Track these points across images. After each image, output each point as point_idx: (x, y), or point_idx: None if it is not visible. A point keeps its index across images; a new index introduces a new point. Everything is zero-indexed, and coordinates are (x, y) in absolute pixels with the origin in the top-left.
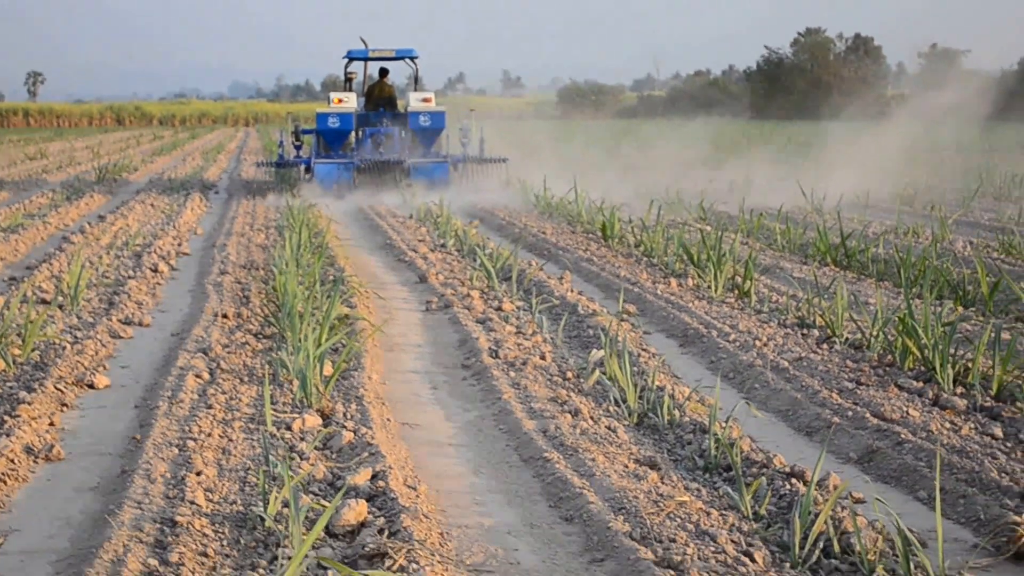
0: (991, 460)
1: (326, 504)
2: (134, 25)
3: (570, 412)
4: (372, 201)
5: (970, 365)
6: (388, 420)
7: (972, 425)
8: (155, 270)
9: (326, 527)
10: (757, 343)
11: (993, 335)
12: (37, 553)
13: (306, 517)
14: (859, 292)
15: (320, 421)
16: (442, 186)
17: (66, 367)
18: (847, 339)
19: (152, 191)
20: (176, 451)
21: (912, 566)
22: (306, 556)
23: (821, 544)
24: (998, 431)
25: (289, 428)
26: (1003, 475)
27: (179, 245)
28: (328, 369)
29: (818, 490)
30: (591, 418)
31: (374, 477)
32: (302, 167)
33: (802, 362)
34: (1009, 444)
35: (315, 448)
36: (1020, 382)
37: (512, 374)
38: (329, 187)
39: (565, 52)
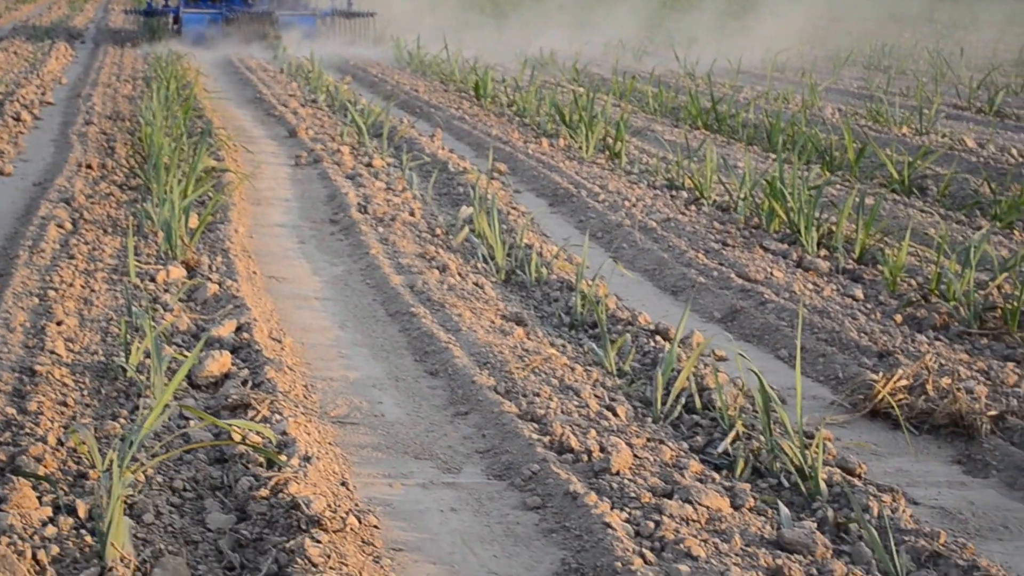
0: (851, 321)
1: (189, 355)
2: None
3: (438, 268)
4: (242, 53)
5: (834, 229)
6: (254, 273)
7: (834, 287)
8: (17, 119)
9: (189, 379)
10: (626, 203)
11: (857, 200)
12: None
13: (168, 368)
14: (728, 156)
15: (185, 273)
16: (311, 39)
17: None
18: (715, 201)
19: (16, 39)
20: (36, 301)
21: (771, 421)
22: (167, 406)
23: (683, 400)
24: (859, 293)
25: (153, 280)
26: (862, 335)
27: (43, 94)
28: (194, 221)
29: (681, 347)
30: (459, 274)
31: (239, 329)
32: (170, 16)
33: (670, 223)
34: (869, 305)
35: (179, 300)
36: (881, 246)
37: (381, 230)
38: (197, 38)
39: None
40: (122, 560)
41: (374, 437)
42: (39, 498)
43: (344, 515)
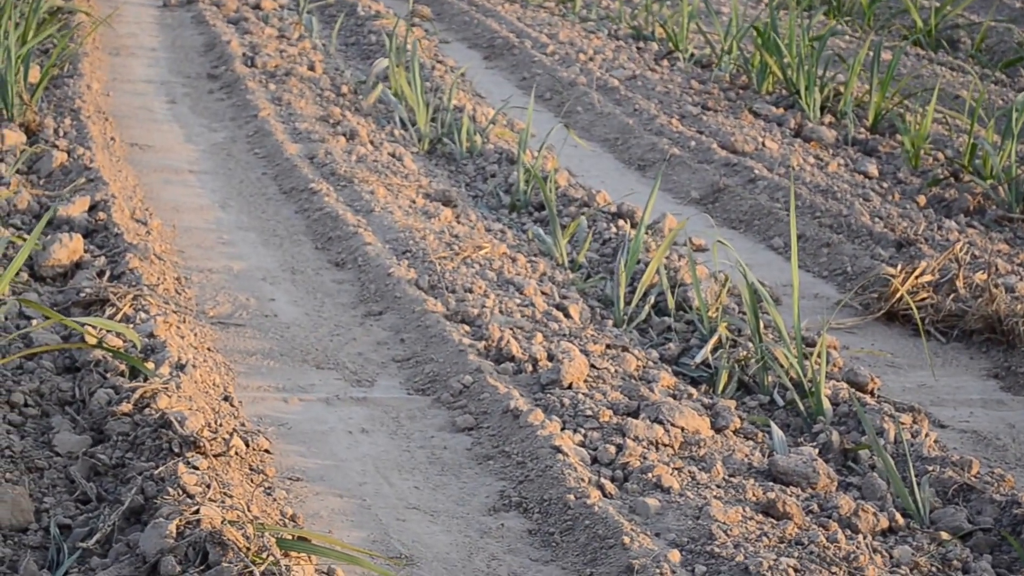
0: (863, 202)
1: (28, 238)
2: None
3: (344, 135)
4: None
5: (842, 90)
6: (112, 140)
7: (842, 161)
8: None
9: (31, 268)
10: (581, 56)
11: (871, 54)
12: None
13: (4, 255)
14: None
15: (24, 138)
16: None
17: None
18: (693, 55)
19: None
20: None
21: (762, 325)
22: (3, 301)
23: (651, 299)
24: (872, 168)
25: None
26: (876, 221)
27: None
28: (35, 74)
29: (649, 234)
30: (371, 143)
31: (92, 208)
32: None
33: (636, 81)
34: (885, 184)
35: (17, 172)
36: (901, 111)
37: (272, 87)
38: None
39: None
40: None
41: (265, 342)
42: None
43: (227, 436)
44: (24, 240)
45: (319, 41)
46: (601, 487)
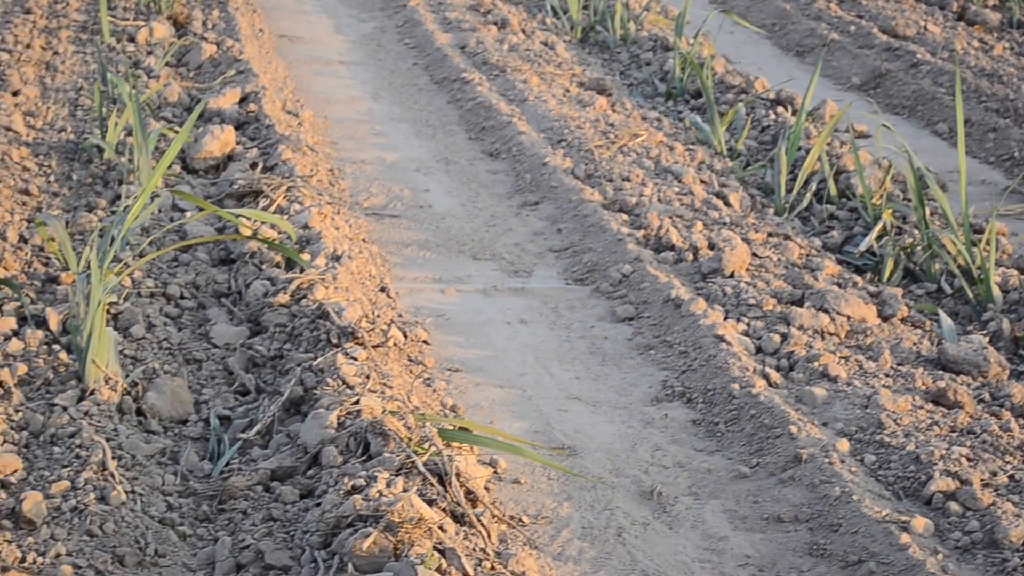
0: None
1: (181, 131)
2: None
3: (495, 24)
4: None
5: None
6: (261, 31)
7: (1007, 44)
8: None
9: (184, 161)
10: None
11: None
12: None
13: (156, 148)
14: None
15: (172, 31)
16: None
17: None
18: None
19: None
20: None
21: (928, 212)
22: (156, 194)
23: (813, 186)
24: None
25: (133, 39)
26: None
27: None
28: None
29: (810, 121)
30: (523, 31)
31: (243, 100)
32: None
33: None
34: None
35: (166, 64)
36: None
37: None
38: None
39: None
40: (107, 381)
41: (420, 232)
42: None
43: (385, 327)
44: (175, 133)
45: None
46: (766, 376)
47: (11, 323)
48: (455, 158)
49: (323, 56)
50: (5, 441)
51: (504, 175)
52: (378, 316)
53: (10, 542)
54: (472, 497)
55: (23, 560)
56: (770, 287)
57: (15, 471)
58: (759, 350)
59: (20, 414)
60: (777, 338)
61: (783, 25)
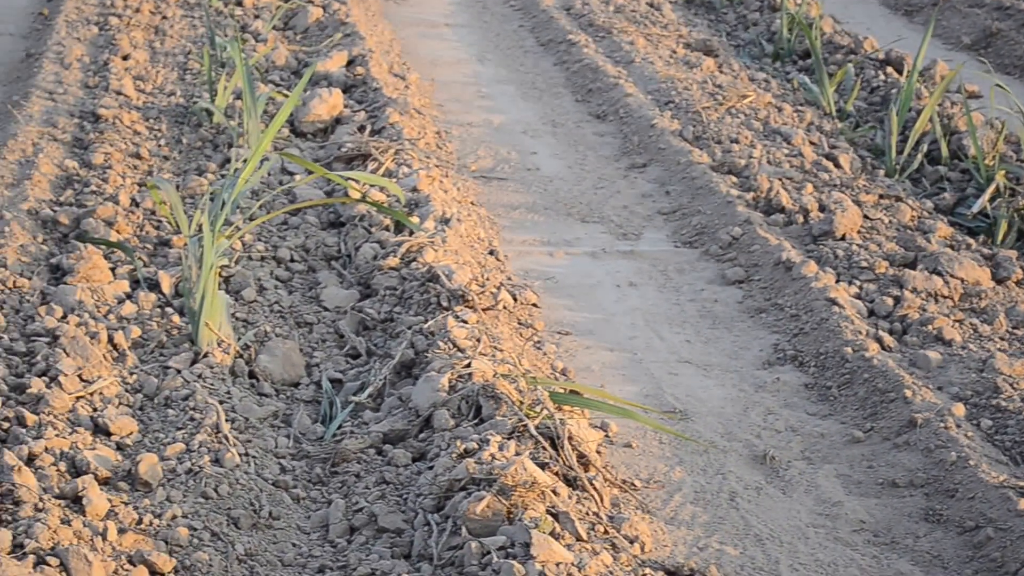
0: None
1: (289, 94)
2: None
3: None
4: None
5: None
6: None
7: None
8: None
9: (291, 124)
10: None
11: None
12: None
13: (265, 112)
14: None
15: None
16: None
17: None
18: None
19: None
20: (95, 30)
21: None
22: (266, 157)
23: (924, 147)
24: None
25: (240, 3)
26: None
27: None
28: None
29: (921, 81)
30: None
31: (350, 63)
32: None
33: None
34: None
35: (273, 28)
36: None
37: None
38: None
39: None
40: (219, 344)
41: (528, 195)
42: (112, 269)
43: (495, 290)
44: (283, 96)
45: None
46: (879, 340)
47: (124, 286)
48: (562, 120)
49: (429, 19)
50: (120, 404)
51: (611, 137)
52: (487, 279)
53: (127, 504)
54: (584, 461)
55: (140, 522)
56: (882, 249)
57: (131, 433)
58: (871, 313)
59: (135, 377)
60: (890, 301)
61: None
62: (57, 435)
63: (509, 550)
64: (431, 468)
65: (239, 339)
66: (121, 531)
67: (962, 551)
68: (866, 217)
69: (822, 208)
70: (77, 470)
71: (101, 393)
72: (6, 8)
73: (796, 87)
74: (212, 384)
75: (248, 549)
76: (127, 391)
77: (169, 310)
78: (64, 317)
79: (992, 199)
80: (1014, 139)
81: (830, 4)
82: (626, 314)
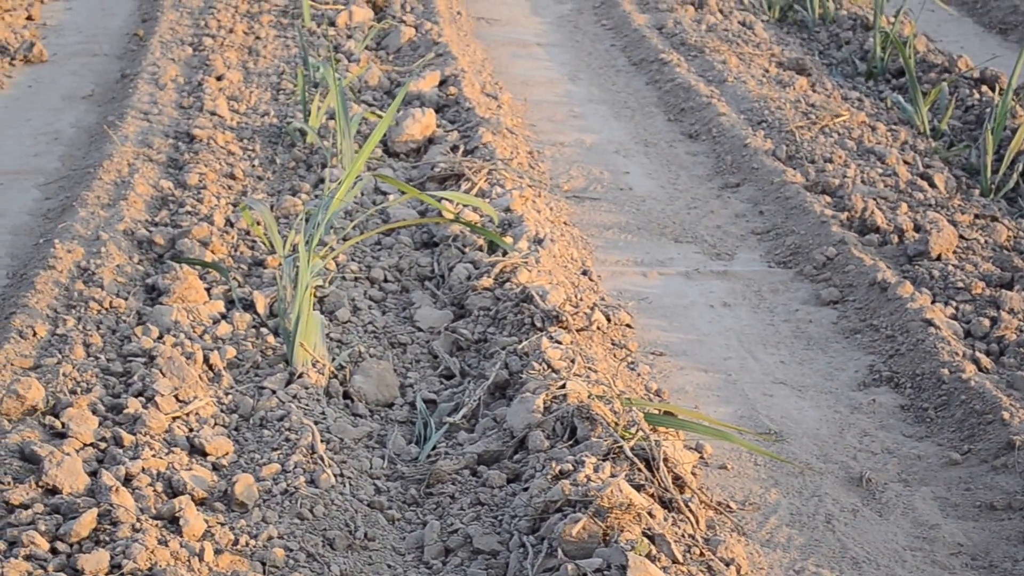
0: None
1: (383, 115)
2: None
3: (693, 4)
4: None
5: None
6: (459, 14)
7: None
8: None
9: (385, 144)
10: None
11: None
12: (20, 174)
13: (358, 132)
14: None
15: (372, 14)
16: None
17: None
18: None
19: None
20: (190, 51)
21: None
22: (359, 177)
23: (1020, 166)
24: None
25: (333, 23)
26: None
27: None
28: None
29: (1016, 99)
30: (720, 11)
31: (443, 83)
32: None
33: None
34: None
35: (366, 48)
36: None
37: None
38: None
39: None
40: (314, 364)
41: (621, 215)
42: (208, 290)
43: (588, 311)
44: (376, 116)
45: None
46: (976, 361)
47: (219, 307)
48: (654, 140)
49: (520, 38)
50: (216, 424)
51: (704, 157)
52: (581, 299)
53: (223, 524)
54: (679, 482)
55: (236, 542)
56: (978, 270)
57: (226, 453)
58: (968, 334)
59: (230, 397)
60: (987, 322)
61: (985, 2)
62: (154, 455)
63: (605, 572)
64: (526, 489)
65: (333, 359)
66: (217, 552)
67: None
68: (961, 237)
69: (917, 228)
70: (174, 490)
71: (197, 413)
72: (101, 29)
73: (890, 106)
74: (307, 404)
75: (343, 570)
76: (223, 411)
77: (264, 330)
78: (160, 337)
79: None
80: None
81: (923, 23)
82: (720, 335)
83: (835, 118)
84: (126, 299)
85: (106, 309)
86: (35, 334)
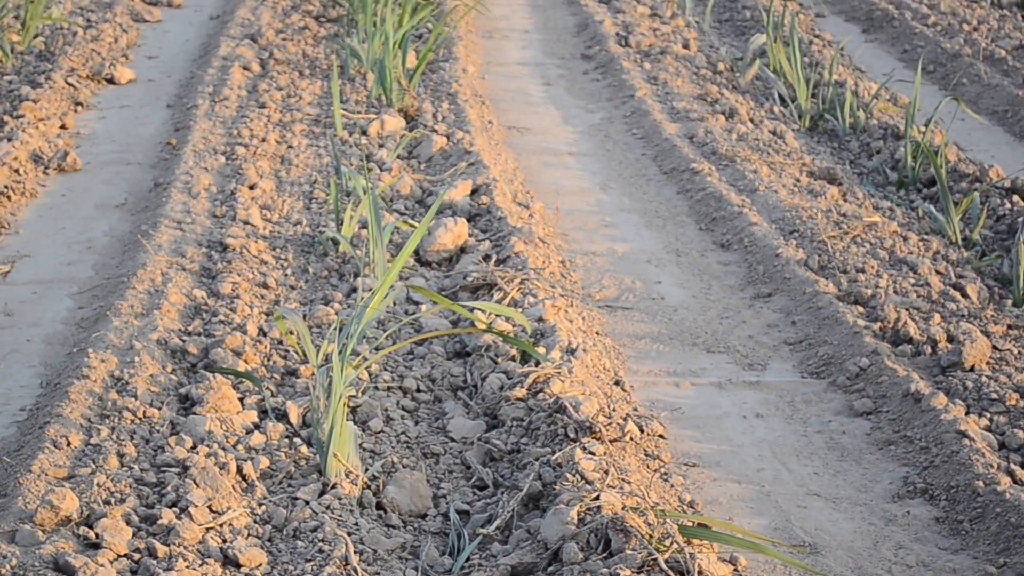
0: None
1: (415, 224)
2: None
3: (723, 113)
4: None
5: None
6: (490, 123)
7: None
8: None
9: (417, 253)
10: (964, 27)
11: None
12: (54, 283)
13: (390, 241)
14: None
15: (403, 123)
16: None
17: (79, 57)
18: None
19: None
20: (223, 160)
21: None
22: (392, 287)
23: None
24: None
25: (364, 132)
26: None
27: None
28: (412, 60)
29: None
30: (751, 120)
31: (475, 192)
32: None
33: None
34: None
35: (398, 157)
36: None
37: (647, 66)
38: None
39: None
40: (347, 475)
41: (653, 325)
42: (241, 400)
43: (621, 421)
44: (409, 225)
45: (692, 18)
46: (1011, 473)
47: (253, 416)
48: (686, 249)
49: (552, 147)
50: (250, 535)
51: (736, 266)
52: (614, 410)
53: None
54: None
55: None
56: (1012, 381)
57: (260, 565)
58: (1003, 446)
59: (263, 508)
60: (1022, 434)
61: (1016, 111)
62: (188, 567)
63: None
64: None
65: (366, 470)
66: None
67: None
68: (995, 348)
69: (950, 339)
70: None
71: (231, 524)
72: (134, 138)
73: (921, 215)
74: (340, 515)
75: None
76: (256, 522)
77: (297, 440)
78: (194, 447)
79: None
80: None
81: (954, 132)
82: (753, 446)
83: (867, 228)
84: (159, 409)
85: (140, 419)
86: (69, 444)
